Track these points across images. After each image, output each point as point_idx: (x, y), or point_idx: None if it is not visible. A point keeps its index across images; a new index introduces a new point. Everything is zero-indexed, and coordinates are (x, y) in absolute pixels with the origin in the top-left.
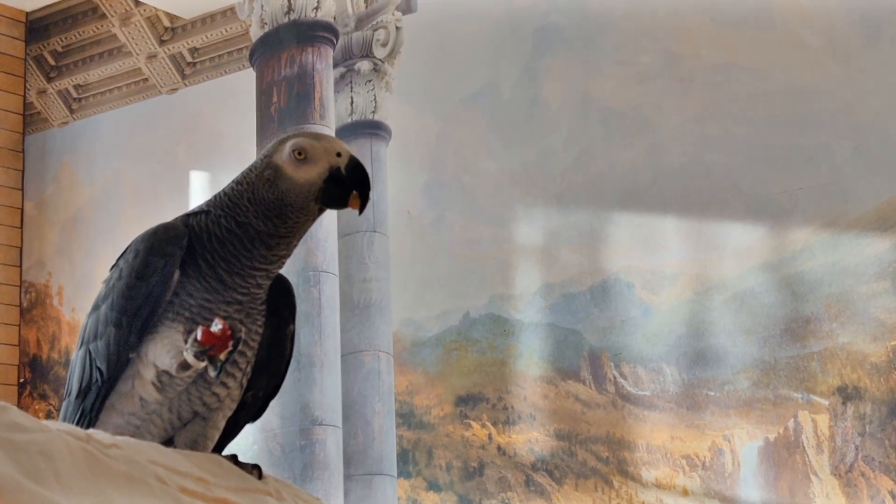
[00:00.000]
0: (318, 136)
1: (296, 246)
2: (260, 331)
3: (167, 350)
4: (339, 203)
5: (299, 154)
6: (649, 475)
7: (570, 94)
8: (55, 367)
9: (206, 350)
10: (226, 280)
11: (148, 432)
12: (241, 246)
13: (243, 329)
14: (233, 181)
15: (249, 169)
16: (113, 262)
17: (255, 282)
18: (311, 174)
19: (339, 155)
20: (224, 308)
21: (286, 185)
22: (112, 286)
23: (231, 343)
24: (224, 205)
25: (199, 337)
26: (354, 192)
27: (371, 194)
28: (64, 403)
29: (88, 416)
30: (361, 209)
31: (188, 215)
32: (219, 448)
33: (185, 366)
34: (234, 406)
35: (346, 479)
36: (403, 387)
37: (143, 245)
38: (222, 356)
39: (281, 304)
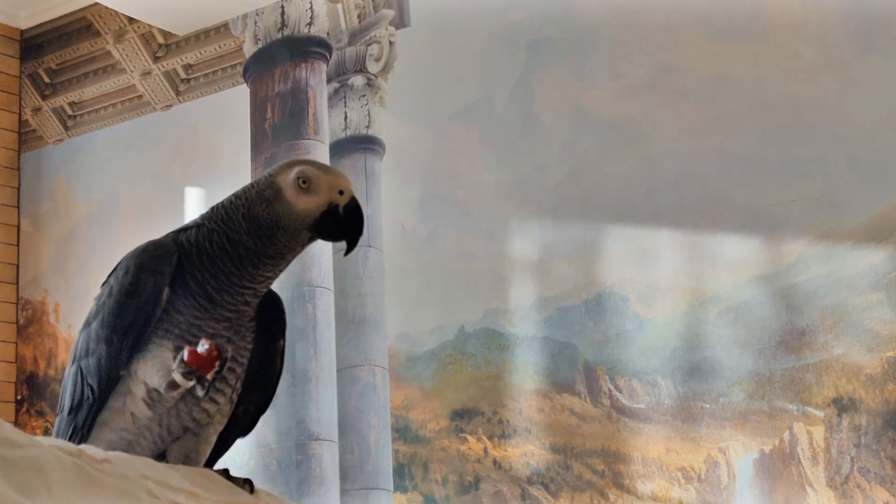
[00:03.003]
0: (326, 169)
1: (283, 269)
2: (249, 347)
3: (157, 369)
4: (330, 238)
5: (303, 182)
6: (645, 488)
7: (564, 107)
8: (52, 384)
9: (193, 371)
10: (214, 298)
11: (139, 446)
12: (231, 263)
13: (230, 348)
14: (233, 194)
15: (251, 185)
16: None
17: (243, 299)
18: (309, 204)
19: (341, 193)
20: (213, 325)
21: (283, 209)
22: (103, 303)
23: (217, 363)
24: (219, 218)
25: (185, 358)
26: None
27: (361, 239)
28: (57, 419)
29: (80, 431)
30: (348, 251)
31: (179, 231)
32: (210, 462)
33: (173, 385)
34: (224, 421)
35: (343, 493)
36: (399, 401)
37: (132, 262)
38: (209, 376)
39: (271, 320)
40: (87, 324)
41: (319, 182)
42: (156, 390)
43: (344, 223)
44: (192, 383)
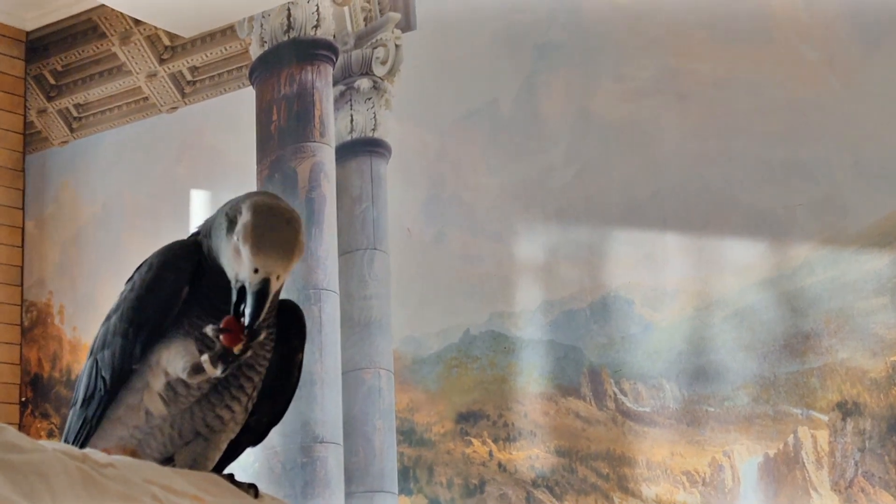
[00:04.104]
0: (260, 238)
1: None
2: (268, 356)
3: (181, 355)
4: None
5: (236, 239)
6: (650, 491)
7: (570, 110)
8: (56, 386)
9: (222, 332)
10: (222, 308)
11: (149, 447)
12: (219, 276)
13: (264, 333)
14: (224, 205)
15: (228, 205)
16: (116, 280)
17: None
18: (232, 264)
19: (256, 271)
20: None
21: (224, 249)
22: (124, 298)
23: (246, 335)
24: (205, 232)
25: (221, 323)
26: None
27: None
28: (70, 411)
29: (90, 424)
30: (249, 327)
31: (195, 234)
32: (218, 469)
33: (197, 369)
34: (237, 429)
35: (348, 496)
36: (404, 404)
37: (157, 259)
38: (236, 349)
39: (291, 333)
40: (108, 318)
41: (243, 249)
42: (171, 388)
43: (243, 305)
44: (217, 371)
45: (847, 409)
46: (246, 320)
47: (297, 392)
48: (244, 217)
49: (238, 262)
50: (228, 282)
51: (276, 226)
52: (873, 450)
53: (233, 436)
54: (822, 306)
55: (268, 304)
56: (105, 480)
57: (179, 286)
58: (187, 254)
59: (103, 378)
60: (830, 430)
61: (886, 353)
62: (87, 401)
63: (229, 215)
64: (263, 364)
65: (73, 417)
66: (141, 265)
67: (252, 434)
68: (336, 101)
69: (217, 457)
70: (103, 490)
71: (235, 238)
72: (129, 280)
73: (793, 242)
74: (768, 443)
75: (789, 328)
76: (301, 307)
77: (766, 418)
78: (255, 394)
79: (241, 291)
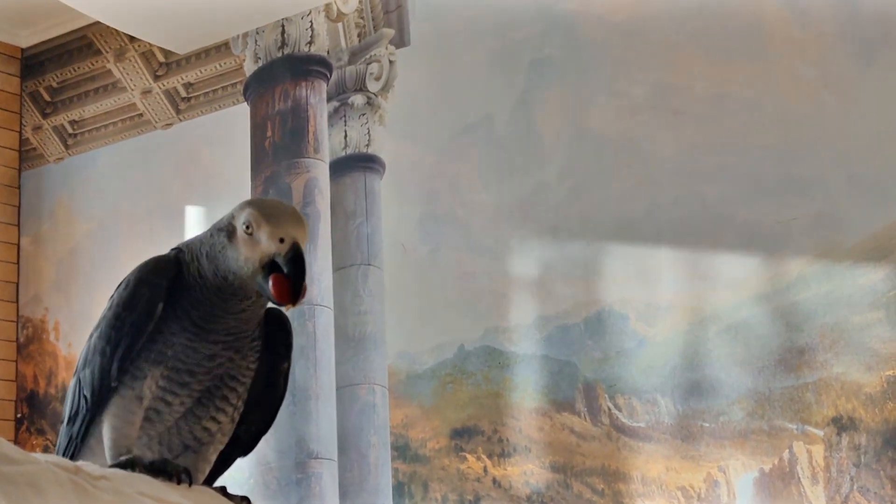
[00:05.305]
0: (270, 214)
1: (259, 304)
2: (252, 366)
3: (112, 436)
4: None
5: (248, 229)
6: None
7: (564, 127)
8: (52, 403)
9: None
10: (201, 325)
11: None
12: (205, 296)
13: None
14: (210, 227)
15: (218, 222)
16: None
17: (231, 323)
18: (252, 253)
19: (282, 241)
20: (209, 347)
21: (233, 254)
22: (103, 316)
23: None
24: (194, 250)
25: (272, 295)
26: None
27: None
28: (61, 429)
29: (75, 442)
30: (294, 300)
31: (177, 250)
32: (209, 481)
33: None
34: (225, 440)
35: None
36: (399, 420)
37: (133, 276)
38: (287, 308)
39: (277, 341)
40: (90, 336)
41: (260, 230)
42: (153, 409)
43: (286, 274)
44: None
45: (842, 424)
46: (292, 284)
47: (292, 408)
48: (245, 211)
49: (255, 248)
50: (213, 299)
51: (278, 202)
52: (869, 465)
53: (221, 447)
54: (816, 321)
55: (307, 265)
56: (98, 492)
57: (154, 302)
58: (163, 269)
59: (85, 397)
60: (826, 446)
61: (882, 368)
62: (72, 419)
63: (224, 228)
64: (248, 374)
65: (61, 435)
66: (120, 283)
67: (241, 445)
68: (330, 117)
69: (207, 469)
70: (96, 502)
71: (244, 227)
72: (109, 298)
73: (787, 257)
74: (763, 458)
75: (784, 343)
76: (295, 322)
77: (761, 433)
78: (240, 404)
79: (272, 268)
